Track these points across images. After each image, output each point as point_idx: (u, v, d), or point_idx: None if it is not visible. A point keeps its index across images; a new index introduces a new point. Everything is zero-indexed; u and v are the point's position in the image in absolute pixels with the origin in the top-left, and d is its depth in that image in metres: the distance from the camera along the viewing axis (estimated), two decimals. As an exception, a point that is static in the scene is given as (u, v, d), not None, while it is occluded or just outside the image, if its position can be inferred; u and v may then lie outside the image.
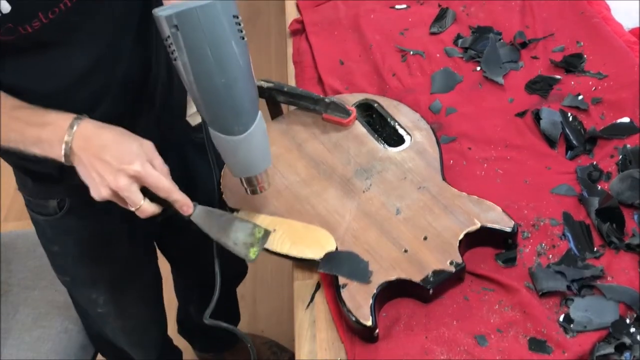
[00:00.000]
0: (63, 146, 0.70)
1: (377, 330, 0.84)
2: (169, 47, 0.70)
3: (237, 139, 0.76)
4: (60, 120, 0.72)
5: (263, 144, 0.81)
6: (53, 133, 0.71)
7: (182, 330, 1.66)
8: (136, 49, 0.86)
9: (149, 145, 0.76)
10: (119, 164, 0.70)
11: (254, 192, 0.91)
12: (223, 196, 1.01)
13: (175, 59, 0.71)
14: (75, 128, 0.71)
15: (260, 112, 0.79)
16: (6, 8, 0.67)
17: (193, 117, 1.12)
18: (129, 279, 1.08)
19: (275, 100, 1.15)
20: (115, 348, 1.27)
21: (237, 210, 0.99)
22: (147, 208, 0.73)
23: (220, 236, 0.83)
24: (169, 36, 0.69)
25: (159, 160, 0.76)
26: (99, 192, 0.71)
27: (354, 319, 0.84)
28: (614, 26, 1.25)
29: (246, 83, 0.74)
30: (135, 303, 1.06)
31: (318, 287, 0.92)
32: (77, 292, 1.15)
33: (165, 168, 0.77)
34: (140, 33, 0.87)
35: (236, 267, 1.49)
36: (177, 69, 0.72)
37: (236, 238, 0.83)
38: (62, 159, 0.71)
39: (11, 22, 0.69)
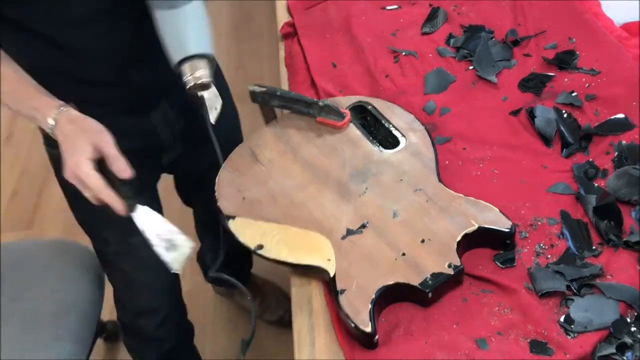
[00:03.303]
0: (51, 121, 0.84)
1: (376, 337, 0.83)
2: None
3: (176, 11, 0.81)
4: (51, 102, 0.86)
5: (198, 26, 0.83)
6: (47, 109, 0.84)
7: (199, 260, 1.74)
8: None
9: (104, 140, 0.82)
10: (72, 163, 0.81)
11: (195, 87, 0.82)
12: (218, 204, 1.01)
13: None
14: (61, 110, 0.84)
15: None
16: None
17: None
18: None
19: (268, 104, 1.14)
20: (127, 290, 1.31)
21: (233, 218, 0.98)
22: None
23: (154, 239, 0.84)
24: None
25: (111, 152, 0.82)
26: (64, 172, 0.82)
27: (353, 325, 0.83)
28: (605, 22, 1.25)
29: None
30: (143, 242, 1.08)
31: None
32: (94, 234, 1.24)
33: (115, 164, 0.81)
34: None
35: None
36: None
37: (169, 246, 0.85)
38: (49, 131, 0.85)
39: None
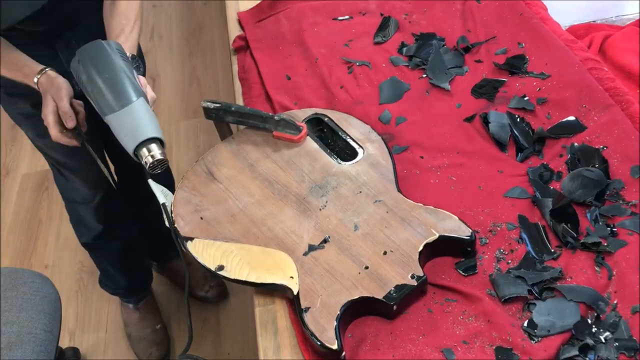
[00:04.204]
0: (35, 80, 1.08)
1: (343, 353, 0.82)
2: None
3: (122, 112, 0.93)
4: (35, 67, 1.09)
5: (145, 117, 0.94)
6: (32, 75, 1.08)
7: None
8: None
9: (58, 97, 1.04)
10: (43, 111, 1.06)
11: (152, 167, 0.92)
12: (175, 225, 0.98)
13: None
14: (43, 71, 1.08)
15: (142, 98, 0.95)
16: None
17: None
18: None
19: (223, 120, 1.13)
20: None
21: (192, 239, 0.96)
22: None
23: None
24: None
25: (60, 106, 1.04)
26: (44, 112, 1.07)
27: (319, 343, 0.82)
28: (552, 26, 1.27)
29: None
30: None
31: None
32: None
33: (62, 116, 1.04)
34: None
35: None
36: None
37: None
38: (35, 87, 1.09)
39: None
